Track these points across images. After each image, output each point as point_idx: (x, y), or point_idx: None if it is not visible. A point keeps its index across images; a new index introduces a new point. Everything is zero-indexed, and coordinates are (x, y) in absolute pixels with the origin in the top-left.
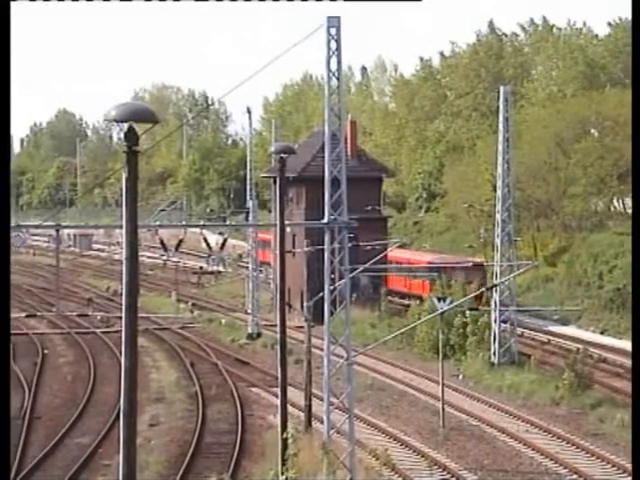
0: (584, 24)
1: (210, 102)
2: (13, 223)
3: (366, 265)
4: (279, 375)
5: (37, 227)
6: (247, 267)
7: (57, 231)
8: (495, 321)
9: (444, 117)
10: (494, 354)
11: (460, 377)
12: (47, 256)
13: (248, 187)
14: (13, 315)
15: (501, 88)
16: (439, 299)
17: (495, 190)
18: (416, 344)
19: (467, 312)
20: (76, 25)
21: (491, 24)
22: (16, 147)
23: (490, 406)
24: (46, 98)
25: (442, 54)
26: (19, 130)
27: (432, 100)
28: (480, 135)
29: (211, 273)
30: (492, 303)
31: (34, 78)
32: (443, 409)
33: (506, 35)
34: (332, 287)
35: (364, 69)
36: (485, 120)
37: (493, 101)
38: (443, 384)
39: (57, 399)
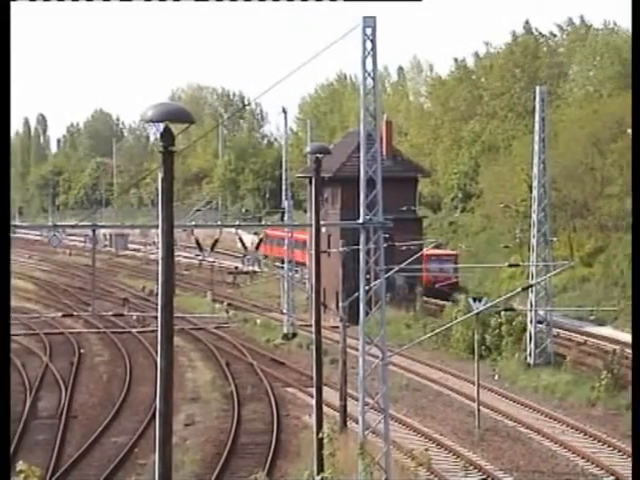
0: (614, 23)
1: (246, 102)
2: (50, 223)
3: (401, 265)
4: (314, 375)
5: (73, 227)
6: (282, 267)
7: (93, 231)
8: (531, 321)
9: (479, 117)
10: (530, 355)
11: (496, 378)
12: (83, 256)
13: (283, 187)
14: (50, 314)
15: (537, 88)
16: (474, 299)
17: (531, 190)
18: (452, 344)
19: (502, 312)
20: (114, 25)
21: (527, 24)
22: (53, 147)
23: (526, 407)
24: (83, 98)
25: (477, 54)
26: (56, 130)
27: (467, 100)
28: (516, 135)
29: (246, 273)
30: (528, 303)
31: (70, 78)
32: (479, 410)
33: (542, 35)
34: (367, 287)
35: (400, 69)
36: (521, 120)
37: (529, 101)
38: (479, 385)
39: (93, 398)
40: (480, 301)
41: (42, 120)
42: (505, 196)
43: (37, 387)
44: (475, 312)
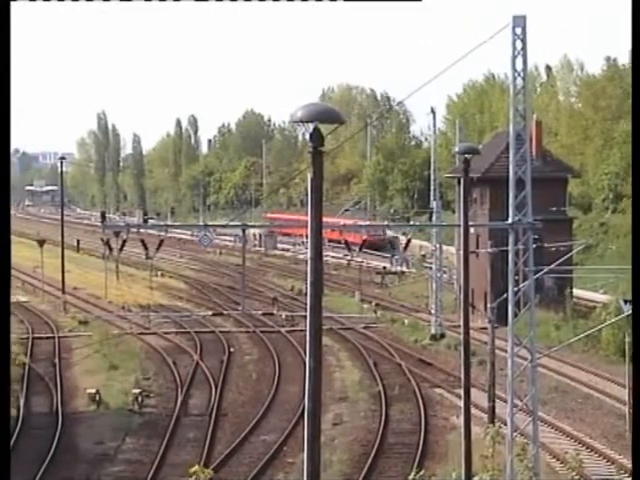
0: None
1: (393, 102)
2: (201, 222)
3: (551, 266)
4: (462, 376)
5: (224, 227)
6: (431, 267)
7: (243, 231)
8: None
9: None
10: None
11: None
12: (233, 255)
13: (432, 187)
14: (201, 313)
15: None
16: (625, 301)
17: None
18: (601, 346)
19: None
20: (267, 26)
21: None
22: (204, 148)
23: None
24: (234, 99)
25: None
26: (206, 131)
27: (619, 100)
28: None
29: (394, 273)
30: None
31: (222, 79)
32: (630, 413)
33: None
34: (516, 288)
35: (550, 68)
36: None
37: None
38: (630, 387)
39: (242, 396)
40: (631, 303)
41: (193, 121)
42: None
43: (188, 385)
44: (625, 314)
